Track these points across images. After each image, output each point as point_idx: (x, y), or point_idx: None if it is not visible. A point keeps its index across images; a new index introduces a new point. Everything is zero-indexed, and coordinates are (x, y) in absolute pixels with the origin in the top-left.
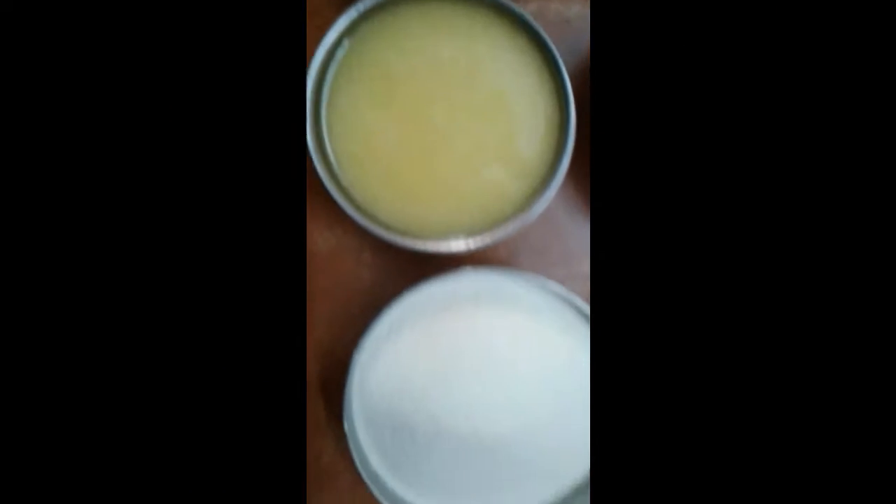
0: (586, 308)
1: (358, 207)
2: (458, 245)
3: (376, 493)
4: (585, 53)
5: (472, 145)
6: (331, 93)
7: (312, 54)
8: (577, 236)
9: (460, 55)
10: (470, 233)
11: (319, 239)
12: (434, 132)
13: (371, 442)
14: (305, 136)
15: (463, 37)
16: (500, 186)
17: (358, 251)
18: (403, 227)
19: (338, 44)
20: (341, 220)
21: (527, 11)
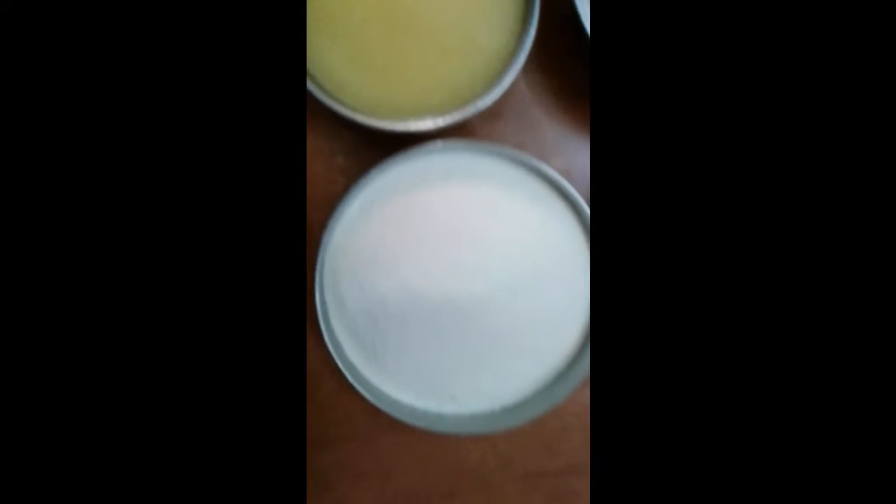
0: (558, 177)
1: (325, 93)
2: (426, 124)
3: (351, 380)
4: None
5: (438, 23)
6: None
7: None
8: (550, 131)
9: None
10: (439, 112)
11: None
12: (399, 10)
13: (344, 329)
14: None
15: None
16: (468, 65)
17: (329, 156)
18: (371, 110)
19: None
20: (312, 126)
21: None
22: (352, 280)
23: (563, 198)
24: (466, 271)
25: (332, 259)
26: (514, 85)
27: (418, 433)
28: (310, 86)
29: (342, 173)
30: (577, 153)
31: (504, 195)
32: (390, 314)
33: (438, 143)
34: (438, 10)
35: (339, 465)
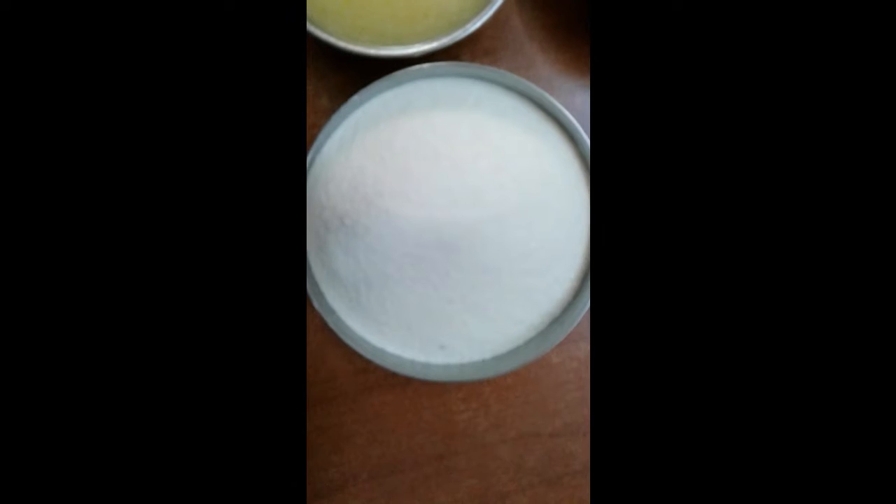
0: (555, 103)
1: (308, 20)
2: (413, 49)
3: (333, 326)
4: None
5: None
6: None
7: None
8: (545, 70)
9: None
10: (425, 40)
11: None
12: None
13: (325, 272)
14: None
15: None
16: None
17: (314, 96)
18: (356, 39)
19: None
20: None
21: None
22: (332, 213)
23: (560, 127)
24: (453, 200)
25: (311, 192)
26: (508, 20)
27: (406, 393)
28: None
29: (326, 114)
30: (572, 92)
31: (494, 122)
32: (373, 249)
33: (425, 66)
34: None
35: (323, 428)
